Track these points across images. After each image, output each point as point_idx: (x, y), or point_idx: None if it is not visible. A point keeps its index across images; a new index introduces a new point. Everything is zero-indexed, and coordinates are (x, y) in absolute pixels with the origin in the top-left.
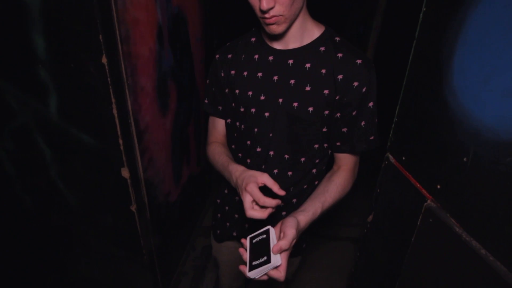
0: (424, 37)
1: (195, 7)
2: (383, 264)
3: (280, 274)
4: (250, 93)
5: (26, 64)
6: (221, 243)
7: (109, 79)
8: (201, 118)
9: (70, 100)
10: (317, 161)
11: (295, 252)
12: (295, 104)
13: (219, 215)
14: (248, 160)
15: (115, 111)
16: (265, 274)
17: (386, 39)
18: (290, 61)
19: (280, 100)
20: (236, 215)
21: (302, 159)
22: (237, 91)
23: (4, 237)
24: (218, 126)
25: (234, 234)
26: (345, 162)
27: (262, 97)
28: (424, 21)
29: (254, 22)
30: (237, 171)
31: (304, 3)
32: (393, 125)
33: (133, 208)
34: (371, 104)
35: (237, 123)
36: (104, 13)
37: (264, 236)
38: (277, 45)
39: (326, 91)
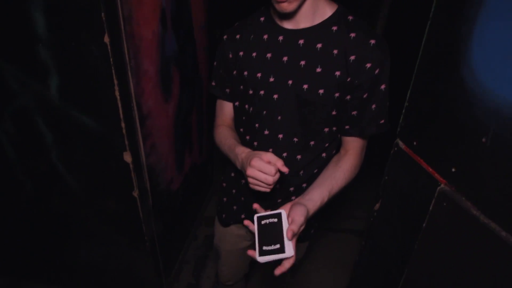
0: (440, 14)
1: None
2: (390, 252)
3: (290, 262)
4: (259, 74)
5: (26, 43)
6: (227, 227)
7: (111, 59)
8: (204, 107)
9: (71, 81)
10: (326, 145)
11: (304, 237)
12: (305, 86)
13: (225, 199)
14: (255, 143)
15: (117, 93)
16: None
17: (396, 19)
18: (301, 41)
19: (290, 82)
20: (243, 198)
21: (312, 143)
22: (245, 73)
23: (4, 221)
24: (226, 109)
25: (243, 216)
26: (353, 146)
27: (271, 79)
28: None
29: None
30: (243, 152)
31: None
32: (403, 110)
33: (135, 193)
34: (383, 86)
35: (246, 106)
36: None
37: (275, 220)
38: (288, 25)
39: (337, 73)
